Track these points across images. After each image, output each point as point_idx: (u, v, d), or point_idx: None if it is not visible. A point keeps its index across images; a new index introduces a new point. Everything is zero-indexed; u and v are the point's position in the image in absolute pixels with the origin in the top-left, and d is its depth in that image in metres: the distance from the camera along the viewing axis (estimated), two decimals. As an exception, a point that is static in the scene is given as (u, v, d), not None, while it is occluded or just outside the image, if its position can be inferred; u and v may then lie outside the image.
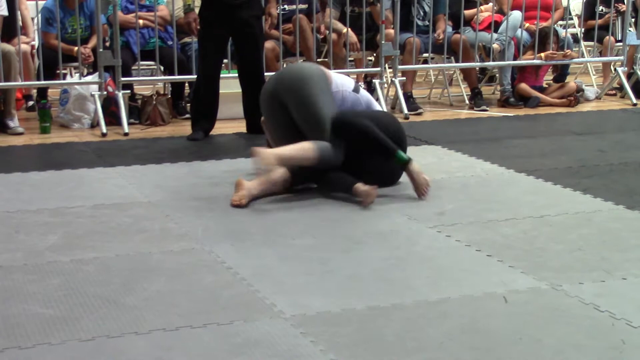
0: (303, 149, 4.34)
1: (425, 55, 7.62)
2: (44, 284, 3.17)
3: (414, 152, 5.15)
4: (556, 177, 4.82)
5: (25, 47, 7.10)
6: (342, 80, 4.68)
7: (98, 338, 2.68)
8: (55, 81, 6.87)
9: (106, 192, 4.57)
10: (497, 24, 7.68)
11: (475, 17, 7.62)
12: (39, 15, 6.86)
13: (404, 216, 4.09)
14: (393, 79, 7.32)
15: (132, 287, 3.13)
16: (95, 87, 6.58)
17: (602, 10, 8.29)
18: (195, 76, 6.42)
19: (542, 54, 7.57)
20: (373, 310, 2.93)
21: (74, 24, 6.78)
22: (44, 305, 2.95)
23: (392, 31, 7.30)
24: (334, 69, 7.18)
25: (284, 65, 7.32)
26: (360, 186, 4.27)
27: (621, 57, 8.02)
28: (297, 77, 4.55)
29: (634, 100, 7.61)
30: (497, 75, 8.10)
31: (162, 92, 7.30)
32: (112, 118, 6.54)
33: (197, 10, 6.14)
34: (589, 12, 8.32)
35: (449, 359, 2.55)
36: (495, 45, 7.56)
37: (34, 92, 7.41)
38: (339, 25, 7.38)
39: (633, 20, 8.16)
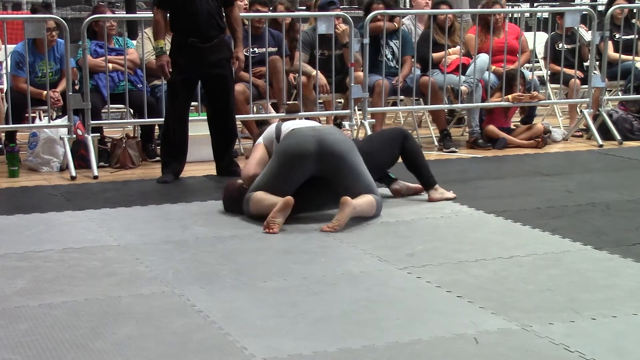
0: (371, 204, 4.74)
1: (395, 97, 7.68)
2: (12, 329, 3.13)
3: (384, 194, 5.18)
4: (525, 218, 4.85)
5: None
6: None
7: (66, 384, 2.65)
8: (24, 125, 6.84)
9: (75, 235, 4.54)
10: (465, 67, 7.77)
11: (443, 59, 7.70)
12: (9, 58, 6.84)
13: (374, 258, 4.10)
14: (362, 121, 7.36)
15: (101, 331, 3.10)
16: (65, 130, 6.57)
17: (563, 47, 8.39)
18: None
19: (510, 96, 7.66)
20: (344, 352, 2.92)
21: (43, 67, 6.77)
22: (11, 351, 2.91)
23: (361, 74, 7.36)
24: (304, 111, 7.23)
25: (254, 109, 7.35)
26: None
27: (587, 99, 8.13)
28: (343, 150, 4.78)
29: (600, 142, 7.70)
30: (466, 117, 8.18)
31: (131, 135, 7.30)
32: (82, 161, 6.51)
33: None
34: (552, 51, 8.44)
35: (420, 401, 2.55)
36: (463, 88, 7.64)
37: (2, 135, 7.37)
38: (308, 68, 7.43)
39: (597, 63, 8.29)
